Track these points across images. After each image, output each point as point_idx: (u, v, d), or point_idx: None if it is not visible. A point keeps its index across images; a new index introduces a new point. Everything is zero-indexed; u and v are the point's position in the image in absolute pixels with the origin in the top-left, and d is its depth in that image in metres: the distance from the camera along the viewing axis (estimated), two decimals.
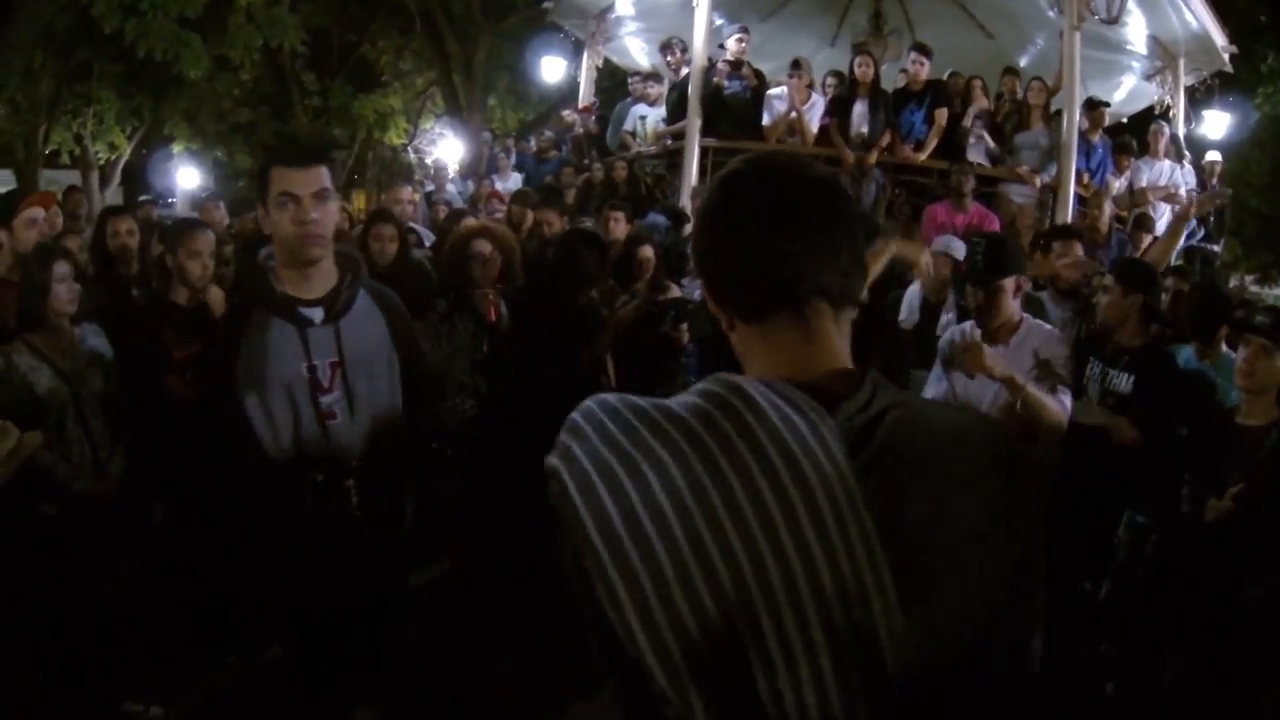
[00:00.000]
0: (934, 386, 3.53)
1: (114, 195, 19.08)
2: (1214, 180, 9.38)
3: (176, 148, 19.54)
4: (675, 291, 5.06)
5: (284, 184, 2.48)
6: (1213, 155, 9.68)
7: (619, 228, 6.07)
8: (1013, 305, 3.39)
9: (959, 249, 5.14)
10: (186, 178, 18.99)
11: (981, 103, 8.45)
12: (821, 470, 1.00)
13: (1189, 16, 8.87)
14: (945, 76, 8.50)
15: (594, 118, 10.20)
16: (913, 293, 5.23)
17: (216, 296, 3.94)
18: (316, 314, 2.64)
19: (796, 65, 8.34)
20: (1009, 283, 3.33)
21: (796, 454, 1.01)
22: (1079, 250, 5.14)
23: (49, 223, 4.43)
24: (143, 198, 13.41)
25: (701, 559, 0.97)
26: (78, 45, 15.93)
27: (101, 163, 19.55)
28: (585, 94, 10.58)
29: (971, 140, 8.11)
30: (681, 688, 0.97)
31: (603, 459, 1.02)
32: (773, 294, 1.14)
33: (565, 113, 11.16)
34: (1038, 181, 8.04)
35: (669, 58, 9.04)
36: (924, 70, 8.16)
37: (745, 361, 1.20)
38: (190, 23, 12.86)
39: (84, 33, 14.70)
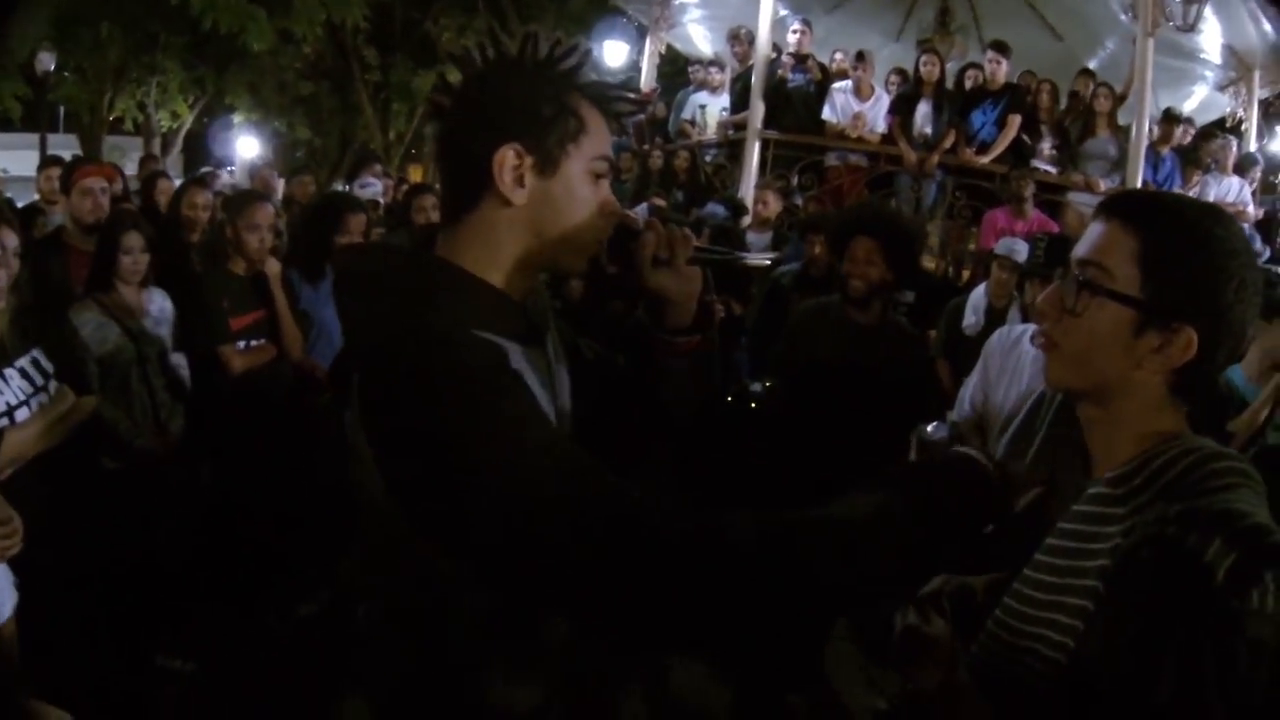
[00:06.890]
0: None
1: (174, 162, 19.42)
2: None
3: (237, 118, 19.83)
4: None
5: (605, 145, 1.28)
6: None
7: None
8: None
9: (1021, 251, 5.01)
10: (246, 147, 19.24)
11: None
12: None
13: (1267, 27, 8.59)
14: (1016, 77, 8.31)
15: (657, 103, 10.12)
16: (977, 297, 5.09)
17: (274, 268, 3.96)
18: None
19: (860, 58, 8.23)
20: None
21: None
22: None
23: (108, 194, 4.45)
24: (204, 169, 13.68)
25: None
26: (145, 17, 16.23)
27: (164, 130, 19.89)
28: (647, 79, 10.51)
29: (1039, 151, 7.91)
30: None
31: None
32: None
33: None
34: (1101, 186, 7.85)
35: (736, 48, 8.95)
36: (1001, 70, 7.92)
37: None
38: None
39: (152, 5, 14.98)
